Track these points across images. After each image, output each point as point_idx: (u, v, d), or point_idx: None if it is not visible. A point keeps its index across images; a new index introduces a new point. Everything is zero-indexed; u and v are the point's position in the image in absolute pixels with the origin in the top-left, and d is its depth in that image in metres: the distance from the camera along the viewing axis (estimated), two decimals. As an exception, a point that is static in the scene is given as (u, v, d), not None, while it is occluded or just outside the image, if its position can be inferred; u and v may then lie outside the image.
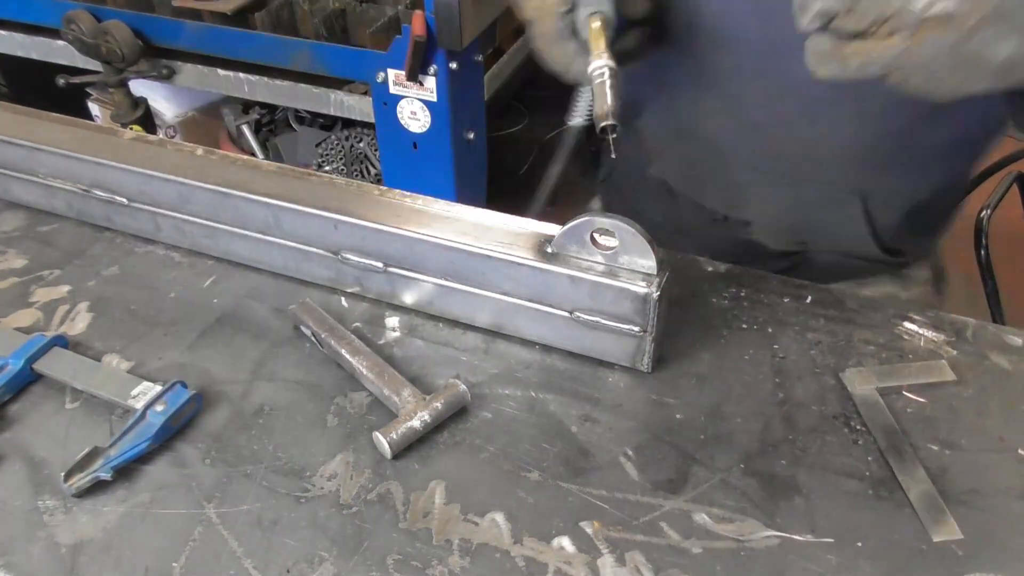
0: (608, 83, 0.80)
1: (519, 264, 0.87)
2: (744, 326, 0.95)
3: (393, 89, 1.93)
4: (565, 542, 0.74)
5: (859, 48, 0.63)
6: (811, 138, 0.96)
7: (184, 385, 0.85)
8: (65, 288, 1.03)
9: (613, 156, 0.77)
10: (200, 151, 1.13)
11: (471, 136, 2.06)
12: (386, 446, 0.80)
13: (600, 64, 0.81)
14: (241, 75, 2.10)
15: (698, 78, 0.99)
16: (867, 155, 0.97)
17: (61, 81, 2.19)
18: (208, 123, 2.77)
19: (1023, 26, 0.60)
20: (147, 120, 2.36)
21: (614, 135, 0.78)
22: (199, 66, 2.14)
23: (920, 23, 0.60)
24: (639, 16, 0.87)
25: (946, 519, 0.75)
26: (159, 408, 0.83)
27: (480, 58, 2.02)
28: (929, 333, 0.94)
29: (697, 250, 1.03)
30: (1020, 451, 0.81)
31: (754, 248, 1.13)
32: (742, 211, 1.10)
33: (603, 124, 0.78)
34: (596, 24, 0.82)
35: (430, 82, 1.89)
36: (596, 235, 0.84)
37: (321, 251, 0.98)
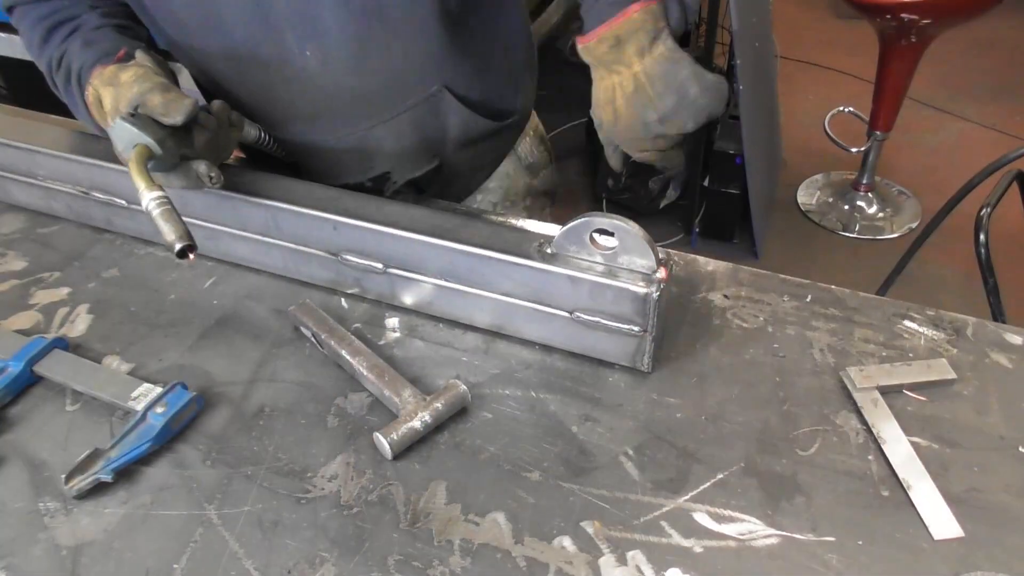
0: (165, 213, 0.81)
1: (519, 265, 0.87)
2: (744, 326, 0.95)
3: (392, 90, 1.93)
4: (566, 542, 0.74)
5: None
6: (388, 70, 1.02)
7: (184, 387, 0.85)
8: (65, 290, 1.04)
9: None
10: (200, 153, 1.13)
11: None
12: (387, 447, 0.80)
13: (151, 197, 0.82)
14: (240, 76, 2.09)
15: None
16: (433, 57, 1.03)
17: (60, 83, 2.19)
18: (208, 125, 2.77)
19: None
20: (147, 122, 2.35)
21: (192, 255, 0.80)
22: (198, 68, 2.13)
23: None
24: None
25: (947, 517, 0.75)
26: (159, 410, 0.83)
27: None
28: (929, 331, 0.94)
29: None
30: (1020, 449, 0.81)
31: (405, 191, 1.15)
32: (376, 168, 1.12)
33: (180, 247, 0.80)
34: (133, 154, 0.84)
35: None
36: (596, 235, 0.84)
37: (321, 252, 0.98)
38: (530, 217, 0.83)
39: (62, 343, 0.92)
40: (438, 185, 1.16)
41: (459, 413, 0.85)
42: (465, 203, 1.22)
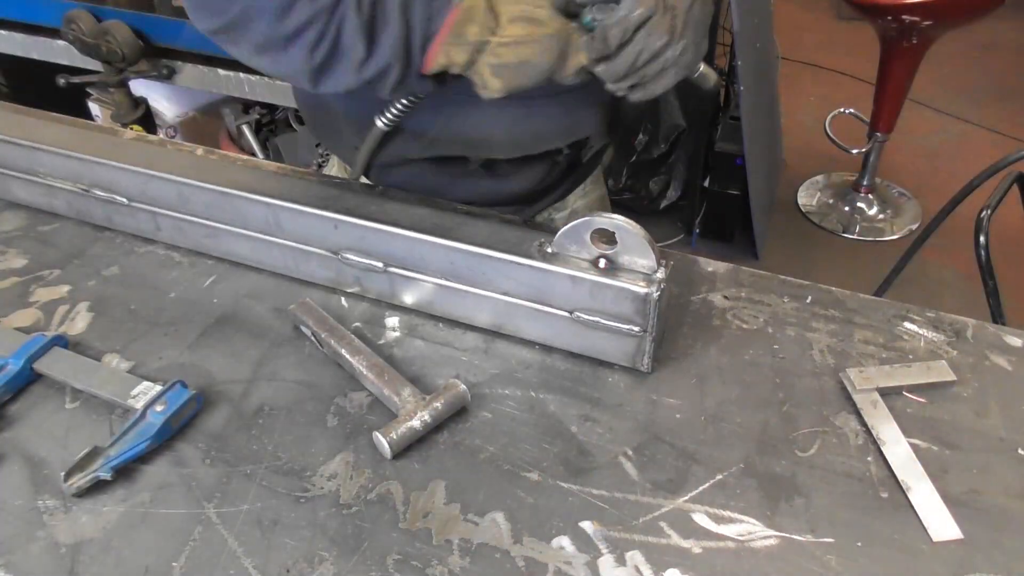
0: None
1: (519, 264, 0.87)
2: (744, 326, 0.95)
3: (393, 89, 1.93)
4: (565, 542, 0.74)
5: None
6: None
7: (184, 385, 0.85)
8: (65, 288, 1.03)
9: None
10: (200, 151, 1.14)
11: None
12: (386, 446, 0.80)
13: None
14: (241, 75, 2.10)
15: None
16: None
17: (61, 81, 2.19)
18: (208, 123, 2.77)
19: None
20: (147, 120, 2.36)
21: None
22: (199, 66, 2.13)
23: None
24: None
25: (946, 519, 0.75)
26: (159, 408, 0.83)
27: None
28: (929, 333, 0.94)
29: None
30: (1020, 451, 0.81)
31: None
32: (579, 131, 1.12)
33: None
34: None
35: (430, 82, 1.89)
36: (596, 235, 0.84)
37: (321, 251, 0.98)
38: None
39: (62, 341, 0.92)
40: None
41: (459, 413, 0.85)
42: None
